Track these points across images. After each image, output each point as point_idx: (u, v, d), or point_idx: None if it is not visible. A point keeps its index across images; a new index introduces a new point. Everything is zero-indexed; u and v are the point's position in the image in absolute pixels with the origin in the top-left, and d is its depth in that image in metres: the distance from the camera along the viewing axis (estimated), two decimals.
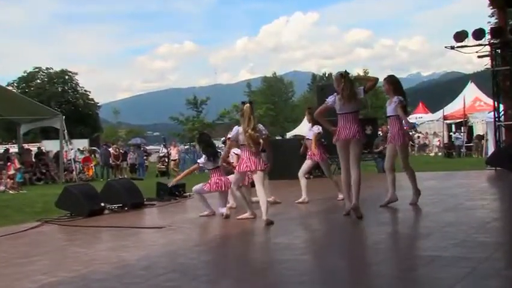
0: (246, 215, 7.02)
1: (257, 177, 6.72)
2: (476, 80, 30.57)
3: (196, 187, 7.90)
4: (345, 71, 6.67)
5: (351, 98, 6.48)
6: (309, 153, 8.70)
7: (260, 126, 6.86)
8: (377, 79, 6.83)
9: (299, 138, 13.99)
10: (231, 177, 7.43)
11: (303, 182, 8.68)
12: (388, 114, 7.37)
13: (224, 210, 7.43)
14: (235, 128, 6.91)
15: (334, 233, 6.10)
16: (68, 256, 5.27)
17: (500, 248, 4.57)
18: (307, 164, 8.80)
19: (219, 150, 8.17)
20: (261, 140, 6.99)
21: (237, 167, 6.94)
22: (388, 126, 7.60)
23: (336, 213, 7.39)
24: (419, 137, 30.44)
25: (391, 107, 7.24)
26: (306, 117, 9.12)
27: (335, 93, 6.63)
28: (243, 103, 6.89)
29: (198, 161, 8.22)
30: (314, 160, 8.67)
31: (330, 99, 6.69)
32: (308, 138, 8.73)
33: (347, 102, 6.49)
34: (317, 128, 8.40)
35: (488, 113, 23.44)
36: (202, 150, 7.95)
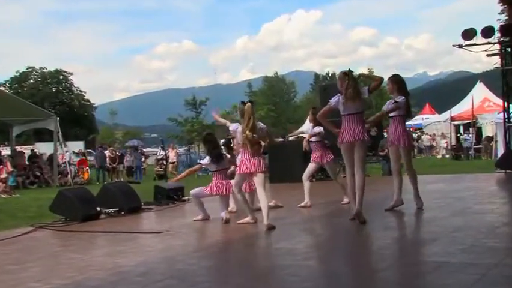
0: (247, 219, 7.02)
1: (258, 180, 6.72)
2: (485, 80, 30.55)
3: (194, 191, 7.89)
4: (349, 69, 6.68)
5: (356, 98, 6.47)
6: (313, 155, 8.69)
7: (260, 124, 6.86)
8: (382, 79, 6.83)
9: (300, 140, 13.98)
10: (233, 181, 7.41)
11: (306, 185, 8.66)
12: (391, 115, 7.36)
13: (223, 214, 7.42)
14: (236, 124, 6.97)
15: (338, 238, 6.10)
16: (63, 262, 5.27)
17: (511, 253, 4.56)
18: (311, 166, 8.78)
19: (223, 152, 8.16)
20: (262, 142, 7.00)
21: (237, 169, 6.95)
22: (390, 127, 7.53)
23: (340, 217, 7.39)
24: (420, 137, 30.40)
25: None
26: (308, 117, 9.10)
27: (339, 94, 6.62)
28: (243, 103, 6.90)
29: (200, 161, 8.20)
30: (318, 162, 8.66)
31: (333, 100, 6.68)
32: (311, 141, 8.72)
33: (351, 101, 6.48)
34: (318, 129, 8.41)
35: (498, 113, 23.38)
36: (208, 151, 7.89)
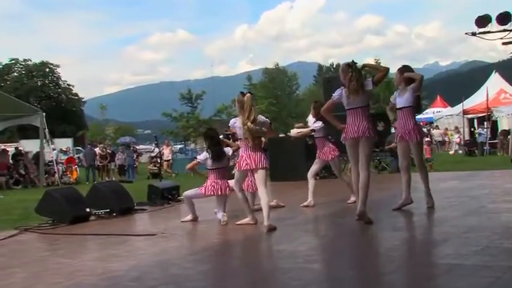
0: (246, 220, 7.04)
1: (258, 177, 6.72)
2: (501, 70, 30.63)
3: (188, 193, 7.90)
4: (352, 60, 6.68)
5: (359, 90, 6.48)
6: (317, 152, 8.71)
7: (261, 117, 6.85)
8: (387, 69, 6.82)
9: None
10: (231, 182, 7.40)
11: (311, 183, 8.67)
12: (399, 106, 7.35)
13: (220, 216, 7.43)
14: (232, 120, 6.95)
15: (343, 239, 6.11)
16: (50, 267, 5.29)
17: None
18: (317, 164, 8.79)
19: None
20: (262, 139, 7.00)
21: (236, 165, 6.94)
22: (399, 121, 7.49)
23: (345, 217, 7.41)
24: (430, 131, 30.38)
25: (404, 97, 7.23)
26: (311, 113, 9.11)
27: (342, 87, 6.63)
28: (242, 93, 6.88)
29: (197, 157, 8.20)
30: (323, 160, 8.68)
31: (336, 94, 6.69)
32: (315, 137, 8.74)
33: (354, 95, 6.49)
34: (315, 125, 8.43)
35: None
36: (208, 147, 7.85)
